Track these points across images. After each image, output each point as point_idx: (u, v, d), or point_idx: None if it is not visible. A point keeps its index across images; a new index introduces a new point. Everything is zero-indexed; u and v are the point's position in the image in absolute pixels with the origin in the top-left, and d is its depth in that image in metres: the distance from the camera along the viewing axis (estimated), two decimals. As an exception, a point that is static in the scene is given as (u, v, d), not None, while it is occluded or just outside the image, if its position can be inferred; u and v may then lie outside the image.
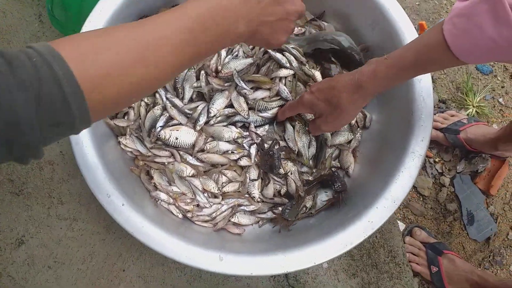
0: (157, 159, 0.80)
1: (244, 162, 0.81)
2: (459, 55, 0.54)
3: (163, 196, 0.79)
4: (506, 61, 0.55)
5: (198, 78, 0.83)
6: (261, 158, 0.81)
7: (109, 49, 0.38)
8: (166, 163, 0.80)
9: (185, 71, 0.82)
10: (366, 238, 0.66)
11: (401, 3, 1.41)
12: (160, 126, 0.78)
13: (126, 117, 0.82)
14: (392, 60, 0.63)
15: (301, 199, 0.79)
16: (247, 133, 0.83)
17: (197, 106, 0.82)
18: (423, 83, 0.74)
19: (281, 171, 0.81)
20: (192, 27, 0.44)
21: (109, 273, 0.87)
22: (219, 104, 0.81)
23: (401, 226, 1.12)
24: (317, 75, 0.84)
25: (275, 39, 0.56)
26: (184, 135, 0.79)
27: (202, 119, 0.80)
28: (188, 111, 0.81)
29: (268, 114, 0.83)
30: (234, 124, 0.83)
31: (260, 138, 0.83)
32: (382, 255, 0.90)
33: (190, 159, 0.80)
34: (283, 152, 0.82)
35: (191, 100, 0.83)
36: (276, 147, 0.82)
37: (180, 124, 0.81)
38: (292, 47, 0.84)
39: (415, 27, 1.40)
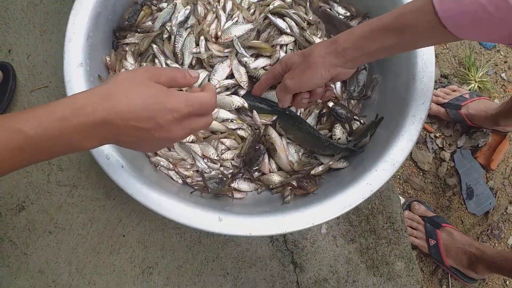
0: None
1: (241, 132, 0.81)
2: (446, 22, 0.50)
3: (162, 161, 0.79)
4: (494, 38, 0.51)
5: (197, 44, 0.82)
6: (248, 148, 0.79)
7: None
8: None
9: (184, 36, 0.81)
10: (365, 200, 0.66)
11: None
12: None
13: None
14: (371, 20, 0.58)
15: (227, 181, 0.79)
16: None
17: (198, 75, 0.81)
18: (424, 48, 0.73)
19: (256, 173, 0.79)
20: (23, 148, 0.40)
21: (109, 238, 0.88)
22: (220, 75, 0.80)
23: (401, 200, 1.12)
24: (318, 41, 0.82)
25: (139, 149, 0.52)
26: None
27: None
28: None
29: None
30: (236, 92, 0.83)
31: (258, 129, 0.81)
32: (381, 221, 0.91)
33: None
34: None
35: (190, 66, 0.83)
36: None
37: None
38: (293, 12, 0.83)
39: None
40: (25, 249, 0.86)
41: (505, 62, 1.32)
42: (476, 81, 1.29)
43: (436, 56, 1.30)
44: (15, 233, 0.87)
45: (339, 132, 0.80)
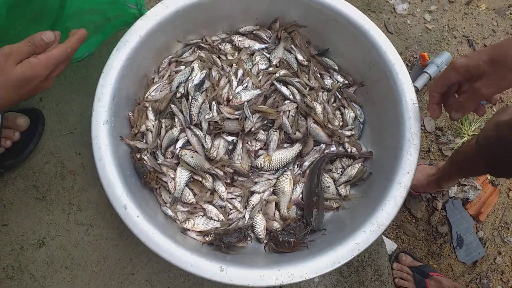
0: (164, 178, 0.89)
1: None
2: None
3: (170, 212, 0.87)
4: None
5: (211, 108, 0.90)
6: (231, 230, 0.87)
7: None
8: (168, 187, 0.88)
9: (200, 101, 0.90)
10: (353, 259, 0.74)
11: (405, 33, 1.49)
12: (179, 147, 0.87)
13: (144, 140, 0.91)
14: None
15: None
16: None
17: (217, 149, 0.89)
18: (412, 121, 0.82)
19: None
20: None
21: (119, 276, 0.96)
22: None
23: (393, 245, 1.19)
24: (318, 107, 0.92)
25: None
26: (199, 157, 0.88)
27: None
28: (206, 146, 0.89)
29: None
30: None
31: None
32: (369, 273, 0.98)
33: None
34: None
35: (208, 130, 0.90)
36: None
37: (196, 152, 0.89)
38: (296, 81, 0.93)
39: (416, 57, 1.48)
40: (43, 282, 0.94)
41: (496, 118, 1.39)
42: (468, 135, 1.37)
43: (431, 110, 1.40)
44: (35, 266, 0.95)
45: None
